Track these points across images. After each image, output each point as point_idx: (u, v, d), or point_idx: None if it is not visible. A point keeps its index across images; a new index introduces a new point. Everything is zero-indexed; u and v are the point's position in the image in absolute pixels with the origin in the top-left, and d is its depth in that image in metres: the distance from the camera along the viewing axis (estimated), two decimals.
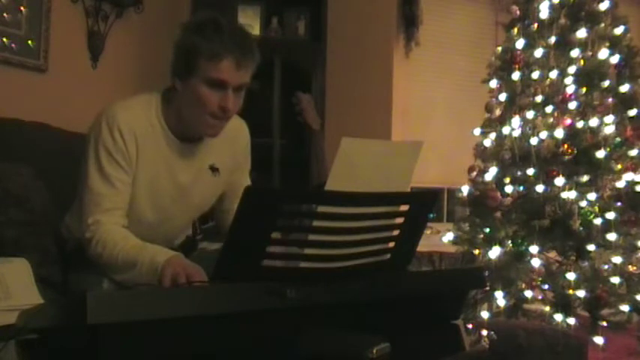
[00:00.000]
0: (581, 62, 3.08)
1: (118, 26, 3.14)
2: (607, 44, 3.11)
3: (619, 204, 2.95)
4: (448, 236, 3.28)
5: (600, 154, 2.95)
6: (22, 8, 2.63)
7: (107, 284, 1.63)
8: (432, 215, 2.89)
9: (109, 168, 1.63)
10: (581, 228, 2.89)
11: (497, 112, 3.29)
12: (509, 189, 3.12)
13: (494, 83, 3.31)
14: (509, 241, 3.02)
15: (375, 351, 1.03)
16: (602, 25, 3.14)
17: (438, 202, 4.09)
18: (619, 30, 3.17)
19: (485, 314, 3.06)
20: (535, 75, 3.15)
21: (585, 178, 2.97)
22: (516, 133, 3.15)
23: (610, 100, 3.06)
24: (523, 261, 2.96)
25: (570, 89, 3.06)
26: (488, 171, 3.20)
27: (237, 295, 1.07)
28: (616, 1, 3.20)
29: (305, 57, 3.63)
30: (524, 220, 3.01)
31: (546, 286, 2.92)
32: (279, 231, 1.13)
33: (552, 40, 3.17)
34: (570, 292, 2.81)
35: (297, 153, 3.41)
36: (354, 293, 1.20)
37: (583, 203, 2.93)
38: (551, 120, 3.07)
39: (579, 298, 2.80)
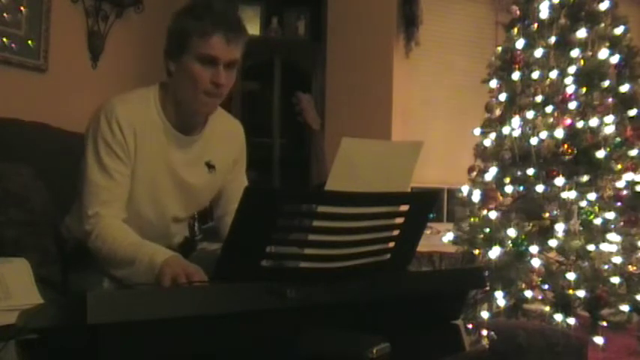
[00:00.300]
0: (581, 62, 3.08)
1: (118, 26, 3.14)
2: (607, 44, 3.11)
3: (619, 204, 2.95)
4: (448, 236, 3.28)
5: (600, 154, 2.95)
6: (22, 8, 2.63)
7: (107, 284, 1.63)
8: (432, 215, 2.90)
9: (107, 160, 1.65)
10: (581, 228, 2.89)
11: (497, 112, 3.29)
12: (509, 189, 3.12)
13: (494, 83, 3.32)
14: (509, 241, 3.02)
15: (375, 351, 1.03)
16: (602, 25, 3.14)
17: (438, 202, 4.09)
18: (619, 30, 3.17)
19: (485, 314, 3.06)
20: (535, 75, 3.15)
21: (585, 178, 2.97)
22: (516, 133, 3.15)
23: (610, 100, 3.06)
24: (523, 261, 2.96)
25: (570, 89, 3.06)
26: (488, 171, 3.20)
27: (237, 295, 1.07)
28: (616, 1, 3.21)
29: (305, 57, 3.63)
30: (524, 220, 3.01)
31: (546, 286, 2.91)
32: (279, 231, 1.12)
33: (552, 40, 3.17)
34: (570, 292, 2.81)
35: (297, 153, 3.41)
36: (354, 293, 1.20)
37: (583, 203, 2.93)
38: (551, 120, 3.07)
39: (579, 298, 2.80)
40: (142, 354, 0.97)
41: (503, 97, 3.26)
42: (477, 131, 3.34)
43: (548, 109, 3.09)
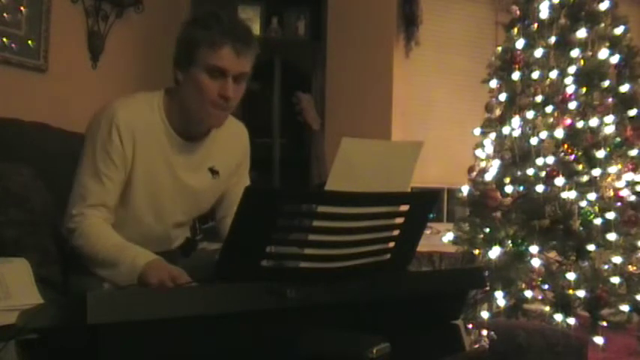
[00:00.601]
0: (581, 62, 3.08)
1: (118, 26, 3.14)
2: (607, 44, 3.11)
3: (619, 204, 2.95)
4: (448, 236, 3.28)
5: (600, 154, 2.95)
6: (22, 8, 2.63)
7: (108, 285, 1.63)
8: (432, 215, 2.90)
9: (101, 165, 1.65)
10: (581, 228, 2.89)
11: (497, 112, 3.29)
12: (509, 189, 3.12)
13: (494, 83, 3.32)
14: (509, 241, 3.02)
15: (375, 351, 1.03)
16: (602, 25, 3.14)
17: (438, 202, 4.09)
18: (619, 30, 3.17)
19: (485, 314, 3.06)
20: (535, 75, 3.15)
21: (585, 178, 2.97)
22: (516, 133, 3.15)
23: (610, 100, 3.06)
24: (523, 261, 2.96)
25: (570, 89, 3.06)
26: (488, 171, 3.20)
27: (237, 295, 1.07)
28: (616, 1, 3.21)
29: (305, 57, 3.63)
30: (524, 220, 3.01)
31: (546, 286, 2.92)
32: (279, 231, 1.12)
33: (552, 40, 3.17)
34: (570, 292, 2.81)
35: (297, 153, 3.41)
36: (354, 293, 1.20)
37: (583, 203, 2.93)
38: (551, 120, 3.07)
39: (579, 298, 2.81)
40: (142, 354, 0.97)
41: (503, 97, 3.26)
42: (477, 131, 3.34)
43: (548, 109, 3.09)
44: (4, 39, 2.57)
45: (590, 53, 3.10)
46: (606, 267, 2.89)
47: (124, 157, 1.66)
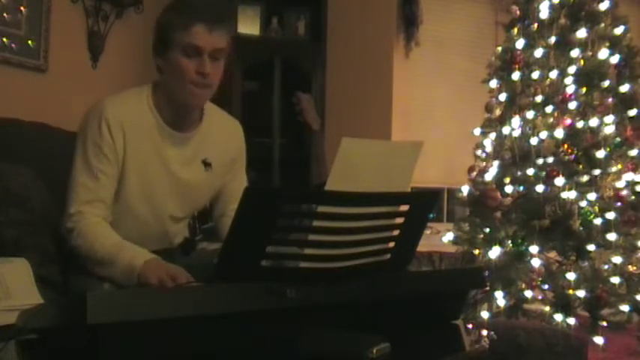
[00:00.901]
0: (581, 62, 3.08)
1: (118, 26, 3.14)
2: (607, 44, 3.11)
3: (619, 204, 2.95)
4: (448, 236, 3.28)
5: (600, 154, 2.95)
6: (22, 8, 2.63)
7: (108, 285, 1.63)
8: (432, 215, 2.90)
9: (94, 161, 1.65)
10: (581, 228, 2.89)
11: (497, 112, 3.29)
12: (509, 189, 3.12)
13: (494, 83, 3.32)
14: (509, 241, 3.02)
15: (375, 351, 1.03)
16: (602, 25, 3.14)
17: (438, 202, 4.09)
18: (619, 30, 3.17)
19: (485, 314, 3.06)
20: (535, 75, 3.15)
21: (585, 178, 2.97)
22: (516, 133, 3.15)
23: (610, 100, 3.06)
24: (523, 261, 2.96)
25: (570, 89, 3.06)
26: (488, 171, 3.20)
27: (237, 295, 1.07)
28: (616, 1, 3.21)
29: (305, 57, 3.63)
30: (524, 220, 3.01)
31: (546, 286, 2.92)
32: (279, 231, 1.13)
33: (552, 40, 3.17)
34: (570, 292, 2.81)
35: (297, 153, 3.41)
36: (354, 293, 1.20)
37: (583, 203, 2.93)
38: (551, 120, 3.07)
39: (579, 298, 2.81)
40: (142, 354, 0.97)
41: (503, 97, 3.26)
42: (477, 131, 3.34)
43: (548, 109, 3.09)
44: (4, 39, 2.57)
45: (590, 53, 3.10)
46: (606, 267, 2.89)
47: (115, 151, 1.67)
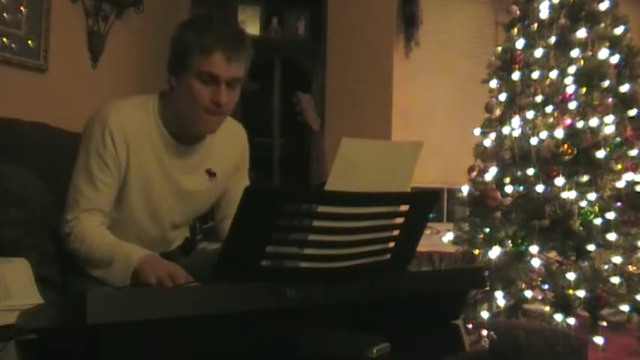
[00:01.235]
0: (581, 62, 3.08)
1: (118, 26, 3.14)
2: (607, 44, 3.11)
3: (619, 204, 2.95)
4: (448, 236, 3.28)
5: (600, 154, 2.95)
6: (22, 8, 2.63)
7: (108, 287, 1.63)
8: (432, 215, 2.91)
9: (95, 169, 1.65)
10: (581, 228, 2.89)
11: (497, 112, 3.29)
12: (509, 189, 3.12)
13: (494, 83, 3.32)
14: (509, 241, 3.02)
15: (375, 351, 1.03)
16: (602, 25, 3.14)
17: (438, 202, 4.09)
18: (619, 30, 3.17)
19: (485, 314, 3.06)
20: (535, 75, 3.15)
21: (585, 178, 2.97)
22: (516, 133, 3.15)
23: (610, 100, 3.06)
24: (523, 261, 2.96)
25: (570, 89, 3.06)
26: (488, 171, 3.20)
27: (237, 295, 1.07)
28: (616, 1, 3.21)
29: (305, 57, 3.63)
30: (524, 220, 3.01)
31: (546, 286, 2.92)
32: (279, 231, 1.12)
33: (552, 40, 3.17)
34: (570, 292, 2.81)
35: (297, 153, 3.41)
36: (354, 293, 1.20)
37: (583, 203, 2.93)
38: (551, 120, 3.07)
39: (579, 298, 2.80)
40: (142, 354, 0.97)
41: (503, 97, 3.26)
42: (477, 131, 3.34)
43: (548, 109, 3.09)
44: (4, 39, 2.57)
45: (590, 53, 3.10)
46: (606, 267, 2.88)
47: (117, 161, 1.66)
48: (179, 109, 1.68)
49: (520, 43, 3.22)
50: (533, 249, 2.93)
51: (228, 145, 1.85)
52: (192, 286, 1.32)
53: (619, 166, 2.99)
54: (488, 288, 2.95)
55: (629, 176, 2.98)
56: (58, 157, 2.10)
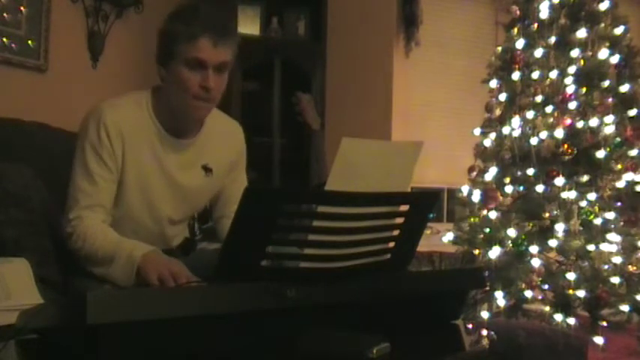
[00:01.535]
0: (581, 62, 3.08)
1: (118, 26, 3.14)
2: (607, 44, 3.11)
3: (619, 204, 2.95)
4: (448, 236, 3.28)
5: (600, 154, 2.95)
6: (22, 8, 2.63)
7: (109, 286, 1.63)
8: (432, 215, 2.91)
9: (93, 165, 1.65)
10: (581, 228, 2.89)
11: (497, 112, 3.29)
12: (509, 189, 3.12)
13: (494, 83, 3.32)
14: (509, 241, 3.02)
15: (375, 351, 1.03)
16: (602, 25, 3.14)
17: (438, 202, 4.09)
18: (619, 30, 3.17)
19: (485, 314, 3.06)
20: (535, 75, 3.15)
21: (585, 178, 2.97)
22: (516, 133, 3.15)
23: (610, 100, 3.06)
24: (523, 261, 2.96)
25: (570, 89, 3.06)
26: (488, 171, 3.20)
27: (237, 295, 1.06)
28: (616, 1, 3.21)
29: (305, 57, 3.63)
30: (524, 220, 3.01)
31: (546, 286, 2.92)
32: (279, 231, 1.13)
33: (552, 40, 3.17)
34: (570, 292, 2.81)
35: (297, 153, 3.41)
36: (354, 293, 1.20)
37: (583, 203, 2.93)
38: (551, 120, 3.07)
39: (579, 298, 2.80)
40: (142, 354, 0.97)
41: (503, 97, 3.26)
42: (477, 131, 3.34)
43: (548, 109, 3.09)
44: (4, 39, 2.57)
45: (590, 53, 3.10)
46: (606, 267, 2.88)
47: (114, 157, 1.67)
48: (170, 99, 1.70)
49: (520, 43, 3.22)
50: (533, 249, 2.93)
51: (225, 142, 1.86)
52: (192, 286, 1.32)
53: (619, 166, 2.99)
54: (488, 288, 2.95)
55: (629, 176, 2.98)
56: (58, 157, 2.10)
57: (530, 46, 3.20)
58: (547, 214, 2.94)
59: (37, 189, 1.90)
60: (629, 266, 2.90)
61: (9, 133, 2.13)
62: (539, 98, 3.11)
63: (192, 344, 1.03)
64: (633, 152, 3.03)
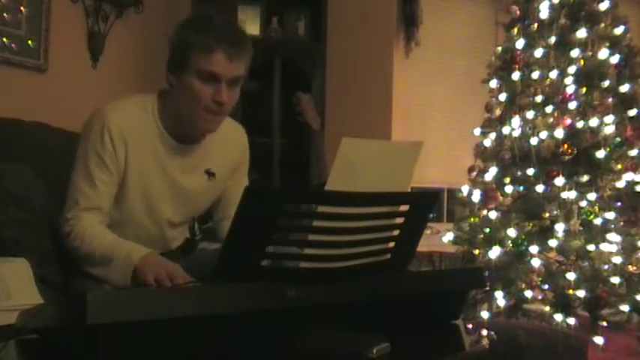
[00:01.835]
0: (581, 62, 3.08)
1: (118, 26, 3.14)
2: (607, 44, 3.11)
3: (619, 204, 2.95)
4: (448, 236, 3.28)
5: (600, 154, 2.95)
6: (22, 8, 2.63)
7: (108, 285, 1.63)
8: (432, 215, 2.91)
9: (94, 168, 1.65)
10: (581, 228, 2.89)
11: (497, 112, 3.29)
12: (509, 189, 3.12)
13: (494, 83, 3.32)
14: (509, 241, 3.02)
15: (375, 351, 1.03)
16: (602, 25, 3.14)
17: (438, 202, 4.09)
18: (619, 30, 3.17)
19: (485, 314, 3.06)
20: (535, 75, 3.15)
21: (585, 178, 2.97)
22: (516, 133, 3.15)
23: (610, 100, 3.06)
24: (523, 261, 2.96)
25: (570, 89, 3.06)
26: (488, 171, 3.20)
27: (237, 295, 1.06)
28: (616, 1, 3.20)
29: (305, 57, 3.63)
30: (524, 220, 3.01)
31: (546, 286, 2.91)
32: (279, 231, 1.12)
33: (552, 40, 3.17)
34: (570, 292, 2.81)
35: (297, 153, 3.41)
36: (354, 293, 1.20)
37: (583, 203, 2.93)
38: (551, 120, 3.07)
39: (579, 298, 2.80)
40: (142, 354, 0.97)
41: (503, 97, 3.26)
42: (477, 131, 3.34)
43: (548, 109, 3.09)
44: (4, 39, 2.57)
45: (590, 53, 3.10)
46: (606, 267, 2.88)
47: (116, 160, 1.66)
48: (178, 108, 1.68)
49: (520, 43, 3.22)
50: (533, 249, 2.93)
51: (228, 146, 1.85)
52: (193, 286, 1.32)
53: (619, 166, 2.99)
54: (488, 288, 2.95)
55: (629, 176, 2.98)
56: (58, 157, 2.10)
57: (530, 46, 3.20)
58: (547, 214, 2.94)
59: (37, 189, 1.90)
60: (629, 266, 2.90)
61: (9, 133, 2.13)
62: (539, 98, 3.11)
63: (192, 344, 1.03)
64: (633, 152, 3.03)
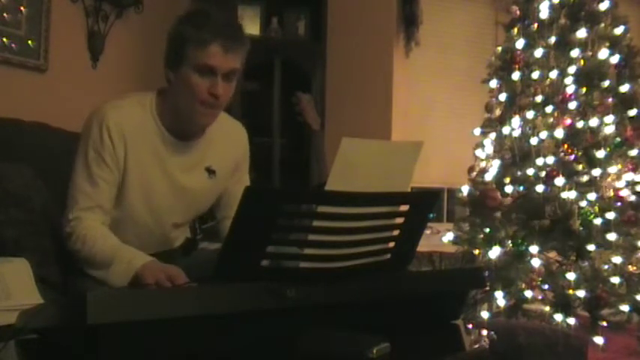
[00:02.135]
0: (581, 62, 3.08)
1: (118, 26, 3.14)
2: (607, 44, 3.11)
3: (619, 204, 2.95)
4: (448, 236, 3.28)
5: (600, 154, 2.95)
6: (22, 8, 2.63)
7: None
8: (432, 215, 2.90)
9: (94, 167, 1.65)
10: (581, 228, 2.89)
11: (498, 112, 3.29)
12: (509, 189, 3.12)
13: (494, 83, 3.32)
14: (509, 241, 3.02)
15: (375, 351, 1.03)
16: (602, 25, 3.14)
17: (438, 202, 4.09)
18: (619, 30, 3.17)
19: (485, 314, 3.06)
20: (535, 75, 3.15)
21: (585, 178, 2.97)
22: (516, 133, 3.15)
23: (610, 100, 3.06)
24: (523, 261, 2.96)
25: (570, 89, 3.06)
26: (488, 171, 3.20)
27: (237, 295, 1.07)
28: (616, 1, 3.20)
29: (305, 57, 3.63)
30: (524, 220, 3.01)
31: (546, 286, 2.91)
32: (279, 231, 1.12)
33: (552, 40, 3.17)
34: (570, 292, 2.81)
35: (297, 153, 3.41)
36: (354, 293, 1.20)
37: (583, 203, 2.93)
38: (551, 120, 3.07)
39: (579, 298, 2.80)
40: (142, 354, 0.97)
41: (503, 97, 3.26)
42: (477, 131, 3.34)
43: (548, 109, 3.09)
44: (4, 39, 2.57)
45: (590, 53, 3.09)
46: (606, 267, 2.88)
47: (116, 159, 1.66)
48: (176, 103, 1.69)
49: (520, 43, 3.22)
50: (533, 249, 2.93)
51: (228, 144, 1.85)
52: (192, 286, 1.32)
53: (619, 166, 2.99)
54: (488, 288, 2.95)
55: (629, 176, 2.98)
56: (58, 157, 2.10)
57: (530, 46, 3.20)
58: (547, 214, 2.94)
59: (37, 189, 1.90)
60: (629, 266, 2.90)
61: (9, 133, 2.13)
62: (539, 98, 3.11)
63: (192, 344, 1.03)
64: (633, 152, 3.03)
